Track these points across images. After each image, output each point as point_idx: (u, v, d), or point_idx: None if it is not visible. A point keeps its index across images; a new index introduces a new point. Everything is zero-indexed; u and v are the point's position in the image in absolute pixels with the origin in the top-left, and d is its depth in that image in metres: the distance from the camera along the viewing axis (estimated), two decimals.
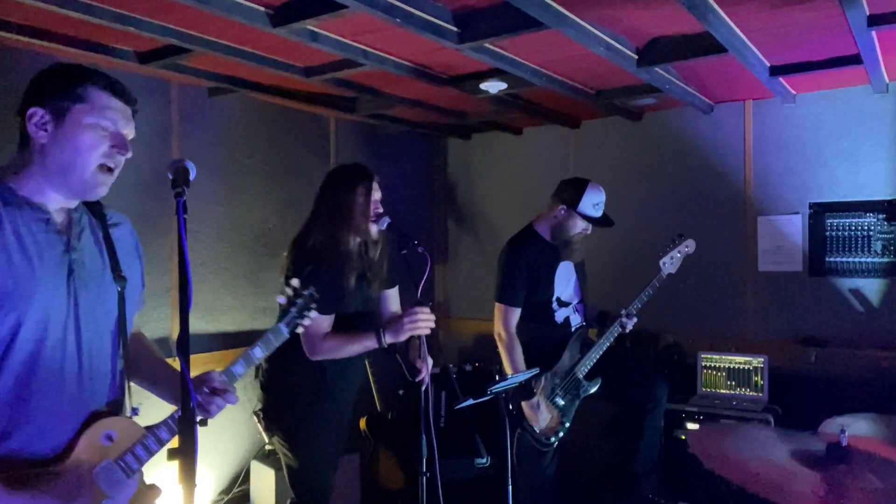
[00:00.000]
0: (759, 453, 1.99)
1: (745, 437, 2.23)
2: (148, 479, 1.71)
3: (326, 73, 3.39)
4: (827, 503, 1.68)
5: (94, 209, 1.69)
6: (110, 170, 1.55)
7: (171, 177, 1.49)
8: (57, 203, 1.57)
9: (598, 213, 3.31)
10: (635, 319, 3.37)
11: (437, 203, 5.49)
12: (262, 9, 2.59)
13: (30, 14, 2.67)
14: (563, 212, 3.31)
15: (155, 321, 3.51)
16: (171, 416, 1.68)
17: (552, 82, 3.56)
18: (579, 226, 3.30)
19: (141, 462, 1.64)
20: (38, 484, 1.46)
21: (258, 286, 4.04)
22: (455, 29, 2.77)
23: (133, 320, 1.78)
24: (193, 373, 1.39)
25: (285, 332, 1.96)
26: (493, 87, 3.64)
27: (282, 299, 2.01)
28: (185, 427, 1.30)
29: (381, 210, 2.63)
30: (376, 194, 2.64)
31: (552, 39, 2.85)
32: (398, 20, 2.51)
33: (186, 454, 1.28)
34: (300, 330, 2.01)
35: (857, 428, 2.28)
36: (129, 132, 1.58)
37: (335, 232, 2.59)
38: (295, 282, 2.01)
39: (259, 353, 1.89)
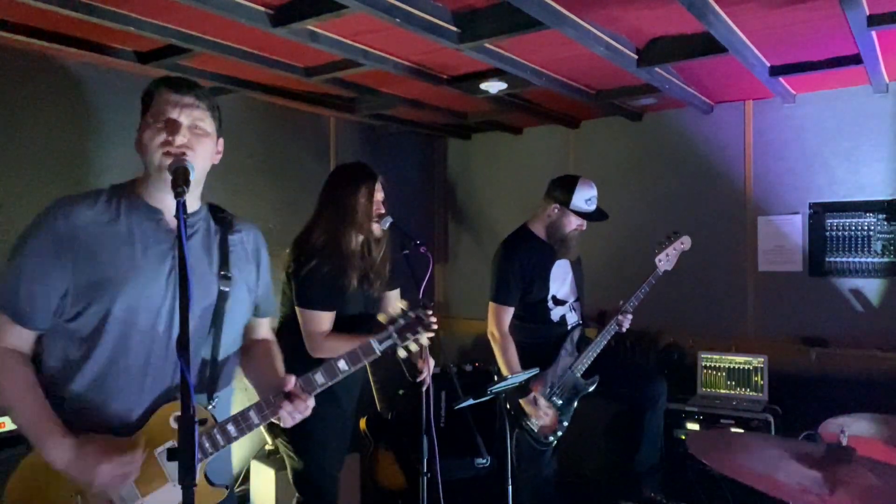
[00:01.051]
0: (760, 454, 2.00)
1: (744, 443, 2.23)
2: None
3: (326, 73, 3.39)
4: (827, 503, 1.68)
5: (219, 216, 1.80)
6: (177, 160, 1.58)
7: (170, 177, 1.51)
8: (173, 206, 1.62)
9: (591, 208, 3.32)
10: (630, 316, 3.37)
11: (437, 203, 5.49)
12: (262, 9, 2.59)
13: (30, 14, 2.67)
14: (556, 210, 3.32)
15: None
16: (241, 413, 1.72)
17: (552, 82, 3.56)
18: (574, 222, 3.31)
19: (205, 453, 1.66)
20: (90, 446, 1.53)
21: None
22: (455, 29, 2.77)
23: (259, 324, 1.94)
24: None
25: (377, 350, 1.85)
26: (493, 87, 3.64)
27: (381, 317, 1.89)
28: (184, 427, 1.30)
29: (383, 210, 2.64)
30: (379, 195, 2.65)
31: (552, 39, 2.85)
32: (398, 20, 2.51)
33: (186, 454, 1.28)
34: (402, 354, 1.89)
35: (857, 428, 2.29)
36: (186, 118, 1.62)
37: (337, 231, 2.60)
38: (402, 303, 1.90)
39: (344, 366, 1.80)
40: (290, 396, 1.71)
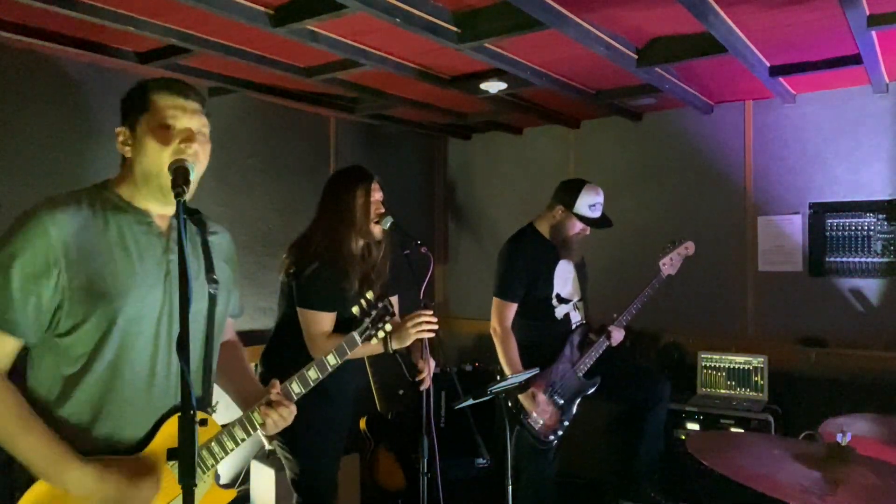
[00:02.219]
0: (760, 453, 2.00)
1: (744, 442, 2.22)
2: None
3: (326, 73, 3.39)
4: (827, 503, 1.68)
5: (196, 218, 1.76)
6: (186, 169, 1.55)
7: (170, 177, 1.50)
8: (157, 209, 1.63)
9: (595, 214, 3.33)
10: (623, 330, 3.38)
11: (437, 203, 5.49)
12: (262, 9, 2.59)
13: (30, 14, 2.67)
14: (560, 213, 3.34)
15: None
16: (246, 415, 1.73)
17: (552, 82, 3.56)
18: (577, 226, 3.32)
19: (216, 458, 1.68)
20: (113, 470, 1.50)
21: (258, 286, 4.04)
22: (455, 29, 2.77)
23: (226, 325, 1.87)
24: None
25: (358, 341, 1.99)
26: (493, 87, 3.64)
27: (355, 310, 2.01)
28: (184, 427, 1.30)
29: (383, 210, 2.64)
30: (377, 194, 2.65)
31: (552, 39, 2.85)
32: (398, 20, 2.51)
33: (186, 454, 1.28)
34: (374, 342, 2.03)
35: (857, 428, 2.28)
36: (195, 124, 1.59)
37: (337, 234, 2.60)
38: (369, 294, 2.01)
39: (332, 360, 1.91)
40: (271, 404, 1.74)
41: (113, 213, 1.58)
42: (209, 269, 1.71)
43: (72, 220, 1.51)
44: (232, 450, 1.71)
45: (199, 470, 1.61)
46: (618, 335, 3.37)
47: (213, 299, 1.69)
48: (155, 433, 1.59)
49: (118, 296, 1.52)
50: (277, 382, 1.78)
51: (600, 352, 3.36)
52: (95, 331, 1.50)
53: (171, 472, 1.59)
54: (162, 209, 1.64)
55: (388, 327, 2.02)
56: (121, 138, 1.61)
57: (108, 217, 1.57)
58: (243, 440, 1.73)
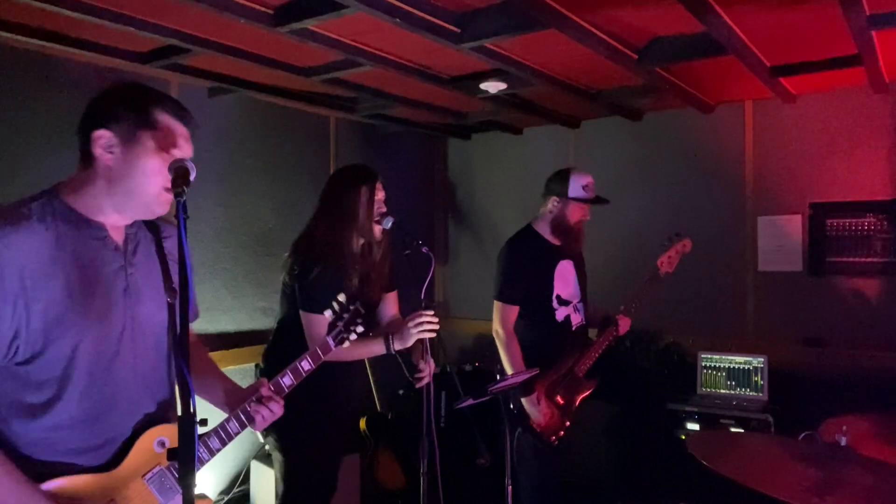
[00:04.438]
0: (760, 453, 2.00)
1: (744, 443, 2.22)
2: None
3: (326, 73, 3.39)
4: (826, 502, 1.68)
5: (149, 223, 1.69)
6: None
7: (170, 177, 1.48)
8: (114, 220, 1.57)
9: (589, 195, 3.33)
10: (629, 321, 3.38)
11: (437, 203, 5.49)
12: (262, 9, 2.59)
13: (30, 14, 2.67)
14: (557, 203, 3.33)
15: None
16: (221, 425, 1.71)
17: (552, 82, 3.56)
18: (576, 212, 3.32)
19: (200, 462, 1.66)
20: (90, 489, 1.49)
21: (258, 286, 4.04)
22: (455, 29, 2.78)
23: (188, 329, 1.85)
24: None
25: (332, 345, 2.03)
26: (493, 87, 3.64)
27: (328, 314, 2.05)
28: (184, 427, 1.29)
29: (384, 209, 2.64)
30: (380, 194, 2.64)
31: (552, 39, 2.85)
32: (398, 20, 2.52)
33: (186, 454, 1.28)
34: (346, 345, 2.06)
35: (857, 428, 2.28)
36: (190, 153, 1.56)
37: (339, 232, 2.59)
38: (341, 297, 2.05)
39: (306, 365, 1.95)
40: (262, 400, 1.75)
41: (65, 227, 1.49)
42: (166, 278, 1.64)
43: (25, 240, 1.42)
44: (218, 450, 1.71)
45: (174, 481, 1.60)
46: (625, 324, 3.37)
47: (171, 308, 1.61)
48: (129, 449, 1.56)
49: (79, 319, 1.46)
50: (265, 381, 1.82)
51: (601, 351, 3.36)
52: (58, 357, 1.45)
53: (146, 487, 1.57)
54: (121, 220, 1.58)
55: (360, 329, 2.06)
56: (103, 141, 1.49)
57: (61, 233, 1.48)
58: (238, 433, 1.74)
